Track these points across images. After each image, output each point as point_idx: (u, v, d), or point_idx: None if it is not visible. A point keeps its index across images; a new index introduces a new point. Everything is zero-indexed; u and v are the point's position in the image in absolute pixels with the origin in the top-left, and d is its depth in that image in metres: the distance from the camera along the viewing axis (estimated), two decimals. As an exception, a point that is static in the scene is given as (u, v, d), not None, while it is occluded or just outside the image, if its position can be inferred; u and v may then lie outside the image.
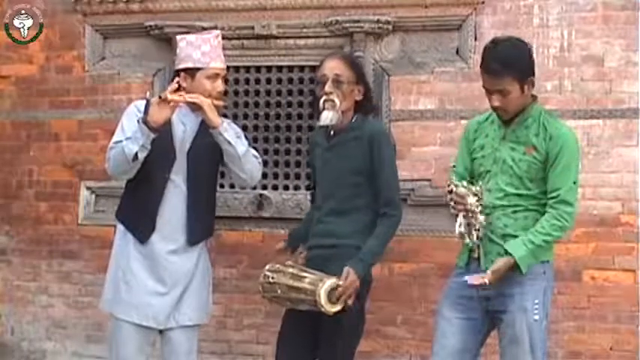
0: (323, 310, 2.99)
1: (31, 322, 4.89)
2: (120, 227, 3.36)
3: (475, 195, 2.96)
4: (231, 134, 3.19)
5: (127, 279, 3.26)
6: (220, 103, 3.27)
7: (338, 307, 3.01)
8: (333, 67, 3.24)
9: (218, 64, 3.27)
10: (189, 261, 3.28)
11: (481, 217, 2.97)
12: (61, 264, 4.84)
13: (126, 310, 3.25)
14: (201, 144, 3.26)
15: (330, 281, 3.01)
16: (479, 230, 2.98)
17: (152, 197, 3.24)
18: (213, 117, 3.15)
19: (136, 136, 3.12)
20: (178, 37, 3.38)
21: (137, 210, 3.29)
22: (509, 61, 2.95)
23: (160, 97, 3.13)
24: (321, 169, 3.38)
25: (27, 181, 4.92)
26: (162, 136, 3.17)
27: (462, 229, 2.99)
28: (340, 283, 3.02)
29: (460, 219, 3.00)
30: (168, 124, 3.19)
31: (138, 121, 3.15)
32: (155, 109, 3.11)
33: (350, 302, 3.04)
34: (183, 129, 3.28)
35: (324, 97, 3.21)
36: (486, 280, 2.88)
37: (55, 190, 4.87)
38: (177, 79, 3.24)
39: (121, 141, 3.18)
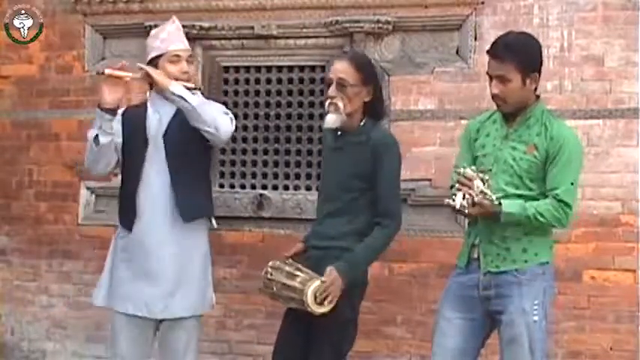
0: (310, 310, 2.98)
1: (31, 322, 4.89)
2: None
3: (482, 180, 2.91)
4: (182, 90, 3.14)
5: (120, 271, 3.27)
6: (189, 85, 3.23)
7: (325, 309, 2.98)
8: (338, 69, 3.17)
9: (176, 45, 3.30)
10: (177, 246, 3.24)
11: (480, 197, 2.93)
12: (61, 264, 4.84)
13: (121, 302, 3.26)
14: (178, 125, 3.24)
15: (318, 282, 3.00)
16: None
17: (131, 185, 3.28)
18: (160, 79, 3.16)
19: (95, 120, 3.20)
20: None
21: (122, 201, 3.37)
22: (513, 48, 2.94)
23: (97, 73, 3.19)
24: (325, 171, 3.36)
25: (27, 181, 4.92)
26: (136, 127, 3.25)
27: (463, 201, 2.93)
28: (324, 280, 3.01)
29: (460, 197, 2.92)
30: (142, 115, 3.27)
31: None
32: (105, 89, 3.17)
33: (333, 303, 3.00)
34: (159, 117, 3.30)
35: (328, 101, 3.17)
36: (466, 211, 2.89)
37: (55, 190, 4.87)
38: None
39: None
